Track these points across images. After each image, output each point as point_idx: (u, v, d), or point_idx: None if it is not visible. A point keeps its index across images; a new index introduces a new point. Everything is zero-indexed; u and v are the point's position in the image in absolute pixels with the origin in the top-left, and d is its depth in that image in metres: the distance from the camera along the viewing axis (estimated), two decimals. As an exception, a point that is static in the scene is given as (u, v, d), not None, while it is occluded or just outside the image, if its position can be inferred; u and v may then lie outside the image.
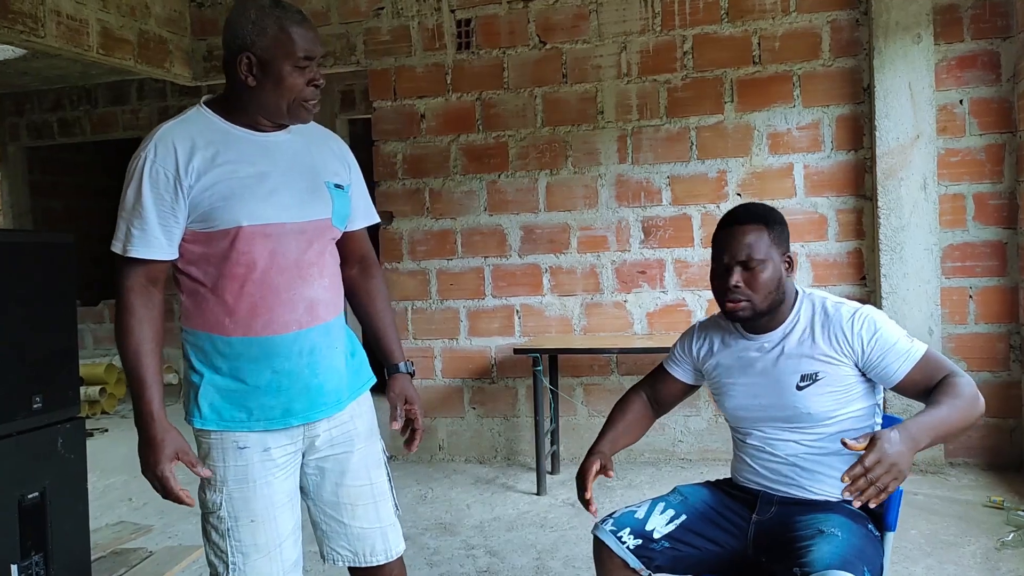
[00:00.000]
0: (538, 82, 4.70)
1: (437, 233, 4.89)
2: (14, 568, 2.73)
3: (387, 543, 1.96)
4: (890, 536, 1.90)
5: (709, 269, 2.00)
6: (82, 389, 6.61)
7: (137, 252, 1.71)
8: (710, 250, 2.01)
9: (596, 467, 2.01)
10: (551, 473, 4.44)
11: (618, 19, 4.57)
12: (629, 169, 4.62)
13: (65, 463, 2.96)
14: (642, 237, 4.63)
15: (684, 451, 4.63)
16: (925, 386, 1.78)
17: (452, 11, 4.78)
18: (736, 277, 1.87)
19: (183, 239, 1.73)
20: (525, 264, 4.78)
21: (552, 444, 4.49)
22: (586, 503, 1.97)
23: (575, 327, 4.73)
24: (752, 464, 1.99)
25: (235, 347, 1.76)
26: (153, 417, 1.69)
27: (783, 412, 1.92)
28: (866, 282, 4.35)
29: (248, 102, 1.74)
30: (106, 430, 6.22)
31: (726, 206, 4.45)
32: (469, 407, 4.90)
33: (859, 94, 4.32)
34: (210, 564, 1.84)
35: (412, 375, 2.06)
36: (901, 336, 1.84)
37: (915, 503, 3.73)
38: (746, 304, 1.88)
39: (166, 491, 1.71)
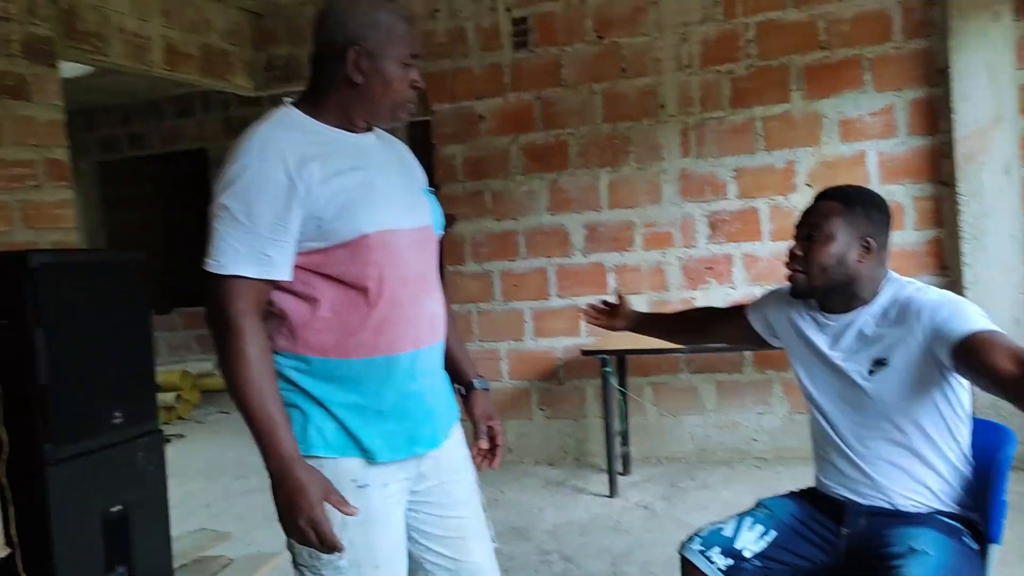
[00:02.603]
0: (597, 78, 4.63)
1: (499, 234, 4.86)
2: (101, 580, 2.80)
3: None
4: (994, 549, 1.80)
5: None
6: (159, 396, 6.82)
7: (245, 271, 1.50)
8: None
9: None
10: (622, 474, 4.38)
11: (677, 10, 4.47)
12: (693, 163, 4.52)
13: (146, 476, 3.03)
14: (708, 232, 4.52)
15: (759, 450, 4.51)
16: (991, 359, 1.59)
17: (508, 10, 4.74)
18: (797, 246, 1.89)
19: (296, 254, 1.55)
20: (589, 263, 4.73)
21: (623, 445, 4.43)
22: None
23: (642, 325, 4.65)
24: (832, 461, 1.92)
25: (356, 369, 1.57)
26: (294, 459, 1.48)
27: (855, 398, 1.85)
28: (947, 272, 4.18)
29: (348, 100, 1.59)
30: (182, 436, 6.38)
31: (795, 198, 4.32)
32: (537, 409, 4.87)
33: (933, 76, 4.14)
34: None
35: (488, 390, 1.92)
36: (981, 316, 1.71)
37: (1010, 503, 3.55)
38: (801, 276, 1.88)
39: (321, 537, 1.47)
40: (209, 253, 1.52)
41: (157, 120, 7.56)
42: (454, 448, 1.77)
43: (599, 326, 2.45)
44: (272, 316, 1.59)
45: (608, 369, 4.06)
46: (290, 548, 1.62)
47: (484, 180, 4.85)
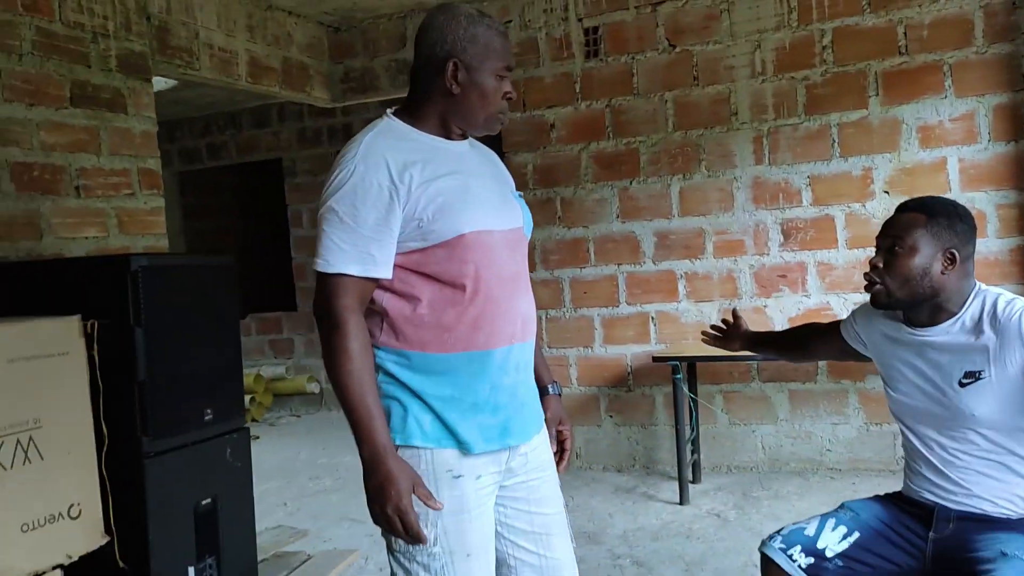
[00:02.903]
0: (668, 86, 4.65)
1: (569, 242, 4.90)
2: (191, 570, 2.92)
3: (574, 573, 1.86)
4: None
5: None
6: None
7: (351, 269, 1.59)
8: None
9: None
10: (693, 482, 4.36)
11: (751, 17, 4.46)
12: (766, 170, 4.50)
13: (233, 471, 3.15)
14: (781, 240, 4.49)
15: (833, 461, 4.45)
16: None
17: (579, 20, 4.79)
18: (877, 258, 1.88)
19: (396, 254, 1.63)
20: (659, 271, 4.73)
21: (693, 453, 4.42)
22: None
23: (713, 333, 4.64)
24: (922, 472, 1.91)
25: (452, 363, 1.65)
26: (387, 450, 1.57)
27: (945, 411, 1.84)
28: (1031, 281, 4.07)
29: (445, 110, 1.70)
30: (257, 437, 6.55)
31: (872, 205, 4.27)
32: (606, 415, 4.88)
33: (1017, 81, 4.04)
34: None
35: (560, 396, 2.00)
36: None
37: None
38: (880, 288, 1.87)
39: (406, 526, 1.56)
40: (318, 253, 1.62)
41: (235, 131, 7.81)
42: (541, 446, 1.84)
43: (718, 347, 2.49)
44: (374, 313, 1.67)
45: (679, 376, 4.07)
46: (385, 537, 1.69)
47: (554, 188, 4.90)
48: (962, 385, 1.80)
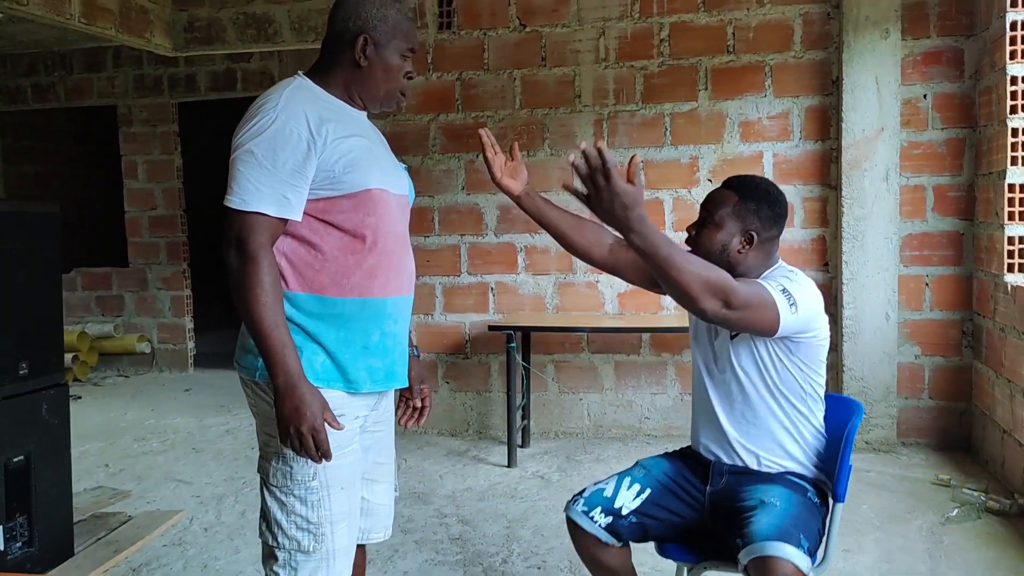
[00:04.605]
0: (518, 64, 4.78)
1: (414, 211, 4.88)
2: (0, 529, 2.81)
3: (389, 520, 2.05)
4: (839, 507, 2.05)
5: None
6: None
7: (266, 208, 1.69)
8: (681, 234, 2.16)
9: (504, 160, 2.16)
10: (521, 447, 4.57)
11: (597, 4, 4.66)
12: (604, 152, 4.71)
13: (49, 428, 3.04)
14: (615, 219, 4.73)
15: (650, 428, 4.79)
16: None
17: (434, -9, 4.83)
18: (692, 226, 2.10)
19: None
20: (501, 243, 4.89)
21: (523, 419, 4.63)
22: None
23: (548, 305, 4.86)
24: (699, 424, 2.15)
25: (348, 307, 1.78)
26: (300, 375, 1.67)
27: (721, 365, 2.07)
28: (828, 268, 4.52)
29: (352, 81, 1.84)
30: (79, 397, 6.25)
31: (697, 192, 4.59)
32: (443, 381, 5.01)
33: (828, 86, 4.46)
34: (288, 540, 1.78)
35: (419, 357, 2.15)
36: (783, 284, 1.94)
37: (867, 479, 3.92)
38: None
39: (318, 443, 1.67)
40: (232, 191, 1.71)
41: (64, 72, 7.30)
42: (389, 399, 2.01)
43: (488, 166, 2.16)
44: (281, 259, 1.77)
45: (512, 345, 4.24)
46: (261, 472, 1.82)
47: (402, 157, 4.87)
48: (732, 337, 2.04)
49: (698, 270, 1.76)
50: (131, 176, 7.30)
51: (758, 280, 1.95)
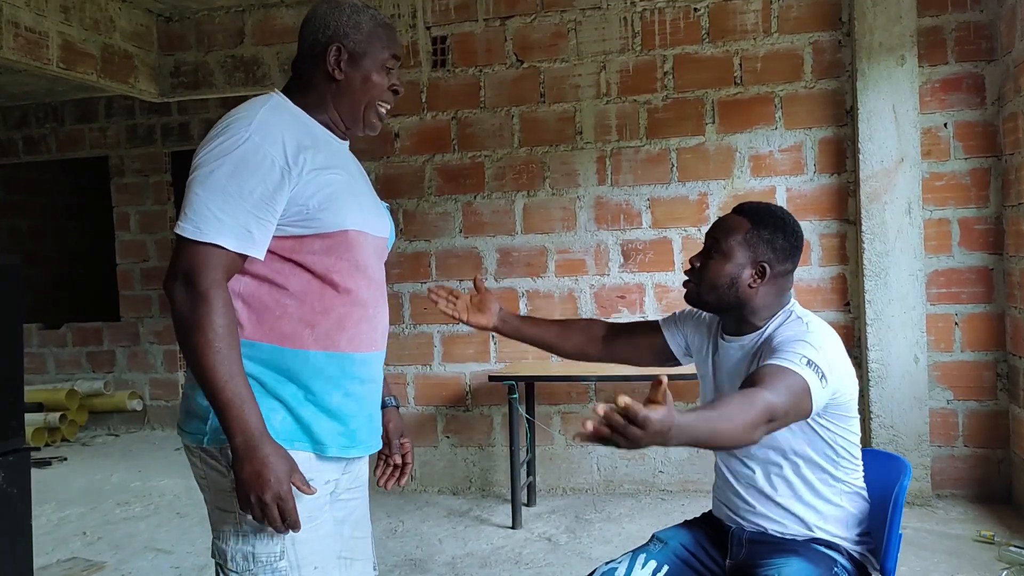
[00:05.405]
0: (515, 101, 4.59)
1: (411, 256, 4.74)
2: (-55, 615, 2.53)
3: None
4: (886, 583, 1.77)
5: None
6: (42, 416, 6.39)
7: (224, 240, 1.45)
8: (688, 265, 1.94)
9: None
10: (527, 505, 4.27)
11: (597, 38, 4.48)
12: (608, 191, 4.51)
13: (8, 499, 2.77)
14: (621, 261, 4.50)
15: (664, 482, 4.48)
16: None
17: (428, 28, 4.66)
18: (696, 257, 1.86)
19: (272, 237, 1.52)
20: (501, 288, 4.64)
21: (528, 475, 4.33)
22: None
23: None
24: (718, 484, 1.92)
25: (310, 361, 1.54)
26: (262, 433, 1.44)
27: None
28: (850, 308, 4.25)
29: (330, 97, 1.64)
30: (65, 459, 5.98)
31: (707, 230, 4.34)
32: (443, 436, 4.73)
33: (842, 116, 4.24)
34: None
35: (398, 408, 1.91)
36: (806, 354, 1.63)
37: (903, 538, 3.59)
38: (692, 287, 1.84)
39: (284, 513, 1.44)
40: (186, 218, 1.47)
41: (56, 124, 7.17)
42: (363, 464, 1.77)
43: (453, 317, 2.10)
44: (238, 301, 1.53)
45: (514, 396, 3.97)
46: (217, 556, 1.55)
47: (397, 199, 4.73)
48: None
49: (742, 421, 1.47)
50: (123, 227, 7.12)
51: (783, 366, 1.61)
